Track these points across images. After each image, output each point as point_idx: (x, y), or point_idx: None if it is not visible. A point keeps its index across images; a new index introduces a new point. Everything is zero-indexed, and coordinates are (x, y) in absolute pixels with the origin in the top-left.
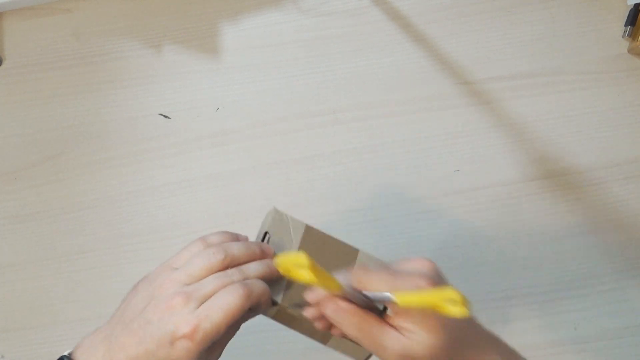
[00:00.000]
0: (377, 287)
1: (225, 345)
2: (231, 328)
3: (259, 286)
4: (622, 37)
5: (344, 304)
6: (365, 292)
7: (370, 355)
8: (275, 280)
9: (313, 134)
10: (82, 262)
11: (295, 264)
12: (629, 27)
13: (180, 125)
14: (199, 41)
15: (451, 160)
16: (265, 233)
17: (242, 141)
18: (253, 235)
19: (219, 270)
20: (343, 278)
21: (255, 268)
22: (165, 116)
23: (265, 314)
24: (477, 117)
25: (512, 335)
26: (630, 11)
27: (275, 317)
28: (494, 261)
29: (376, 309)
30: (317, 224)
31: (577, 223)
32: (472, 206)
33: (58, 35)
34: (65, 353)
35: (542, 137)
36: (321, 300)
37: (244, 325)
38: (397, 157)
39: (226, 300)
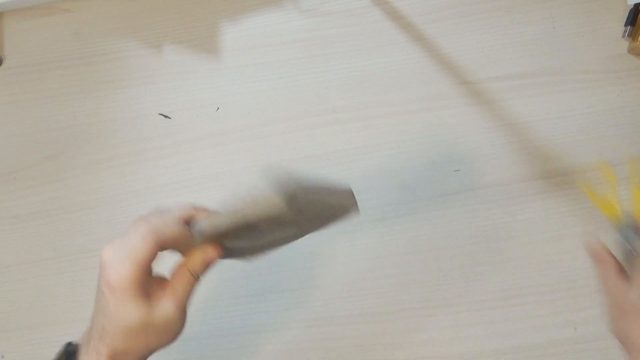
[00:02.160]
0: None
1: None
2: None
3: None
4: (622, 37)
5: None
6: None
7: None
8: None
9: (313, 134)
10: (82, 262)
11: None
12: (629, 27)
13: (180, 125)
14: (199, 41)
15: (451, 160)
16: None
17: (242, 141)
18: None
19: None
20: None
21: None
22: (165, 116)
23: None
24: (477, 117)
25: (512, 335)
26: (630, 11)
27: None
28: (494, 261)
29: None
30: None
31: (577, 223)
32: (472, 206)
33: (58, 35)
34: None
35: (542, 137)
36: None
37: (243, 325)
38: (397, 157)
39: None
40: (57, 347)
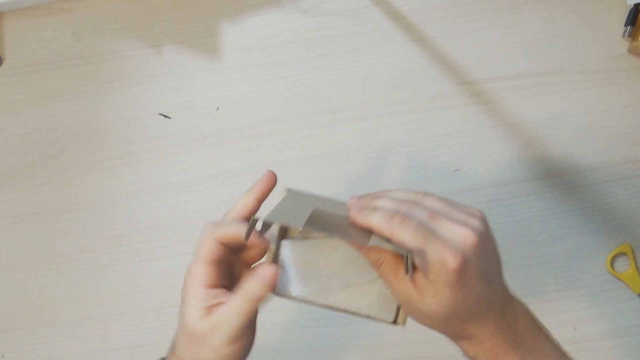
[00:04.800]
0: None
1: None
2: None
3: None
4: (622, 37)
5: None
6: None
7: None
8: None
9: (313, 134)
10: (82, 262)
11: None
12: (629, 27)
13: (180, 125)
14: (199, 41)
15: (451, 160)
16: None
17: (242, 141)
18: None
19: None
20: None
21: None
22: (165, 116)
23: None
24: (477, 117)
25: None
26: (630, 11)
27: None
28: None
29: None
30: None
31: (577, 223)
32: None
33: (58, 35)
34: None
35: (542, 137)
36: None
37: None
38: (397, 157)
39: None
40: (57, 347)
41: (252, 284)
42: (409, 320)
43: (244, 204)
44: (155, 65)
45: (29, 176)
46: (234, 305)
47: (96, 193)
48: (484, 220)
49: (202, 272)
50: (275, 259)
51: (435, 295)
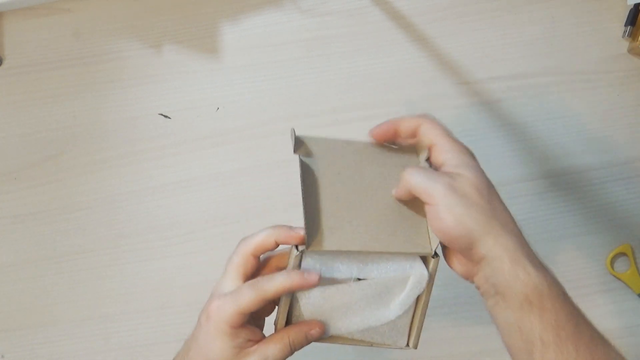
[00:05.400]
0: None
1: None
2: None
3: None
4: (622, 37)
5: None
6: None
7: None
8: None
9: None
10: (82, 262)
11: None
12: (629, 27)
13: (180, 125)
14: (199, 41)
15: None
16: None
17: (242, 141)
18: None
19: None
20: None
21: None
22: (165, 116)
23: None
24: (477, 117)
25: None
26: (630, 11)
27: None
28: None
29: None
30: None
31: (577, 223)
32: None
33: (58, 35)
34: None
35: (542, 137)
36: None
37: None
38: None
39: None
40: (57, 347)
41: (294, 332)
42: None
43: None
44: (155, 65)
45: (29, 176)
46: (278, 343)
47: (96, 193)
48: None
49: (231, 315)
50: (291, 307)
51: (468, 179)
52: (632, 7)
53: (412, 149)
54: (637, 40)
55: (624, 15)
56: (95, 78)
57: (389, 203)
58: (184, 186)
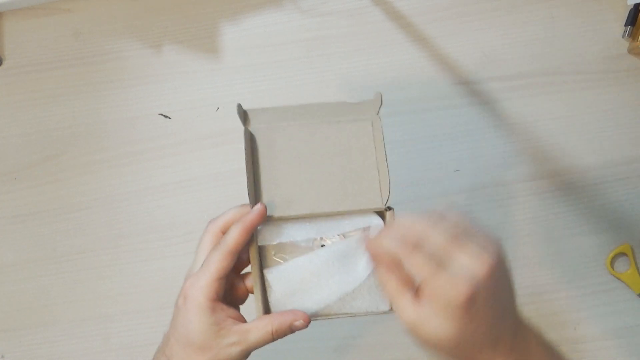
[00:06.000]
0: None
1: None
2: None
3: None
4: (622, 37)
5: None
6: None
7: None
8: None
9: None
10: (82, 262)
11: None
12: (629, 27)
13: (180, 126)
14: (199, 41)
15: (451, 160)
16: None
17: (242, 141)
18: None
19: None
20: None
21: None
22: (165, 116)
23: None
24: (477, 117)
25: None
26: (630, 11)
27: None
28: None
29: None
30: None
31: (577, 223)
32: (472, 206)
33: (58, 35)
34: None
35: (542, 137)
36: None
37: None
38: (397, 157)
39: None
40: (57, 347)
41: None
42: None
43: (234, 236)
44: (155, 65)
45: (29, 176)
46: (260, 331)
47: (96, 193)
48: (498, 248)
49: (208, 285)
50: (264, 288)
51: (442, 325)
52: (632, 7)
53: (370, 105)
54: (637, 40)
55: (624, 15)
56: (95, 78)
57: (339, 162)
58: (183, 186)
